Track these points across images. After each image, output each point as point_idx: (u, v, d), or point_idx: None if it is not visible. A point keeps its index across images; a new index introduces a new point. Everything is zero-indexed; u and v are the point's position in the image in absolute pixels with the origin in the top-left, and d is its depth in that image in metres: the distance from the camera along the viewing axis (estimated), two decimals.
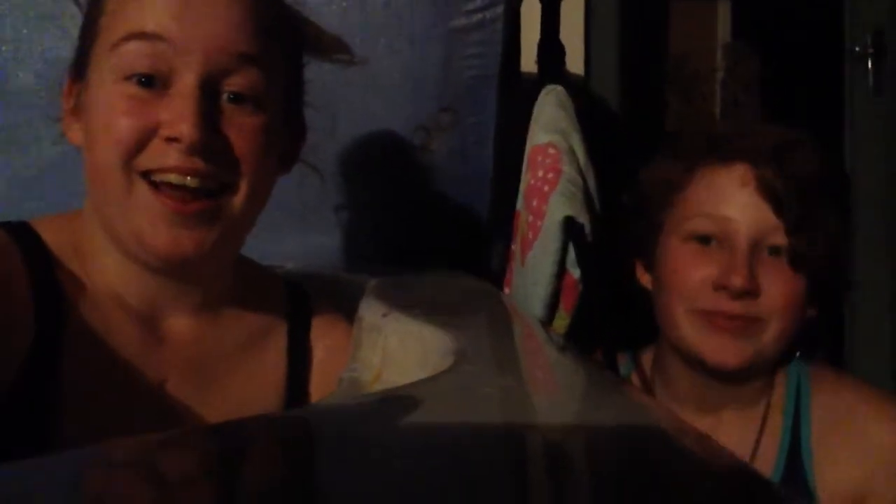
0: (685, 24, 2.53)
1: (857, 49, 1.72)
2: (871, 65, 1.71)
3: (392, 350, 0.62)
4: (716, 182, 0.94)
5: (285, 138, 0.75)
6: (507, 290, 1.15)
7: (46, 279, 0.67)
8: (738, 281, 0.88)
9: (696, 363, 0.94)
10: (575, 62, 1.84)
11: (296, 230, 1.10)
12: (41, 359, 0.65)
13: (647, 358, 1.06)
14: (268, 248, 0.86)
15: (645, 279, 1.04)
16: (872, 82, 1.71)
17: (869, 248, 1.63)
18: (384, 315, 0.66)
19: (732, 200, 0.92)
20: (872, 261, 1.64)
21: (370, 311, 0.71)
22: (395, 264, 1.08)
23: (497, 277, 1.20)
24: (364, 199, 1.18)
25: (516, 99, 1.23)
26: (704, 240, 0.93)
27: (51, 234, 0.71)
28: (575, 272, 0.96)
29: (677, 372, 0.99)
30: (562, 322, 0.98)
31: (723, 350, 0.90)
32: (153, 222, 0.65)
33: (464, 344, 0.55)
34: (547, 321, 0.96)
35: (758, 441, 0.96)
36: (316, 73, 0.84)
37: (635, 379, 1.04)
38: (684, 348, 0.94)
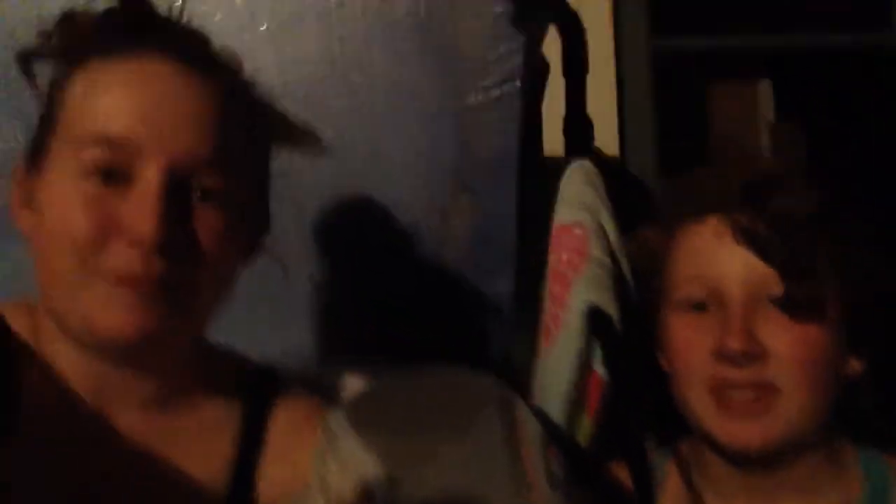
0: (726, 103, 2.46)
1: None
2: None
3: (335, 485, 0.54)
4: (694, 242, 0.85)
5: (249, 230, 0.73)
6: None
7: (4, 359, 0.64)
8: (734, 342, 0.78)
9: (719, 450, 0.83)
10: (608, 141, 1.77)
11: (291, 325, 1.01)
12: None
13: (684, 451, 0.92)
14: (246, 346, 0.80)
15: (664, 363, 0.92)
16: None
17: None
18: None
19: (714, 257, 0.82)
20: None
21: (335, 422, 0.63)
22: (405, 362, 0.97)
23: (521, 372, 1.08)
24: (373, 289, 1.09)
25: (542, 178, 1.15)
26: (699, 307, 0.83)
27: (13, 319, 0.68)
28: (601, 371, 0.85)
29: (713, 462, 0.86)
30: (585, 430, 0.86)
31: (744, 433, 0.79)
32: (105, 305, 0.62)
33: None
34: (569, 426, 0.84)
35: None
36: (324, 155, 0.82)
37: (673, 484, 0.90)
38: (704, 434, 0.83)
